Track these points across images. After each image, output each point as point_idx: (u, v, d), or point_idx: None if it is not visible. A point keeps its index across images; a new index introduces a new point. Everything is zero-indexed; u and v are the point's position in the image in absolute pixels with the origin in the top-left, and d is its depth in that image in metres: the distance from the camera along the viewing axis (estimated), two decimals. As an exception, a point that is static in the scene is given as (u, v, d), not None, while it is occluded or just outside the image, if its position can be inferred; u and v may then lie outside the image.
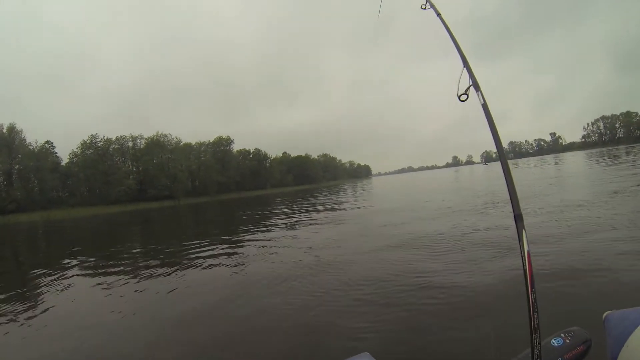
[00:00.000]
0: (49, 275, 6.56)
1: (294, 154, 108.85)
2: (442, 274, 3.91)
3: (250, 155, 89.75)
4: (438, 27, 2.05)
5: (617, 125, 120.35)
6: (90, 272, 6.75)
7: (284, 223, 11.61)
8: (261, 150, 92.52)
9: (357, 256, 5.38)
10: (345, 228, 9.11)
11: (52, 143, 62.37)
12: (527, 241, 1.13)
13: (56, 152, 63.08)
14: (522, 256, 1.13)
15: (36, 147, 60.05)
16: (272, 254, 6.44)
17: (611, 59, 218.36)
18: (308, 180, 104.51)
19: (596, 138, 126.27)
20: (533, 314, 1.07)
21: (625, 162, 20.29)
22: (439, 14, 2.10)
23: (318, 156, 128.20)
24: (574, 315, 2.56)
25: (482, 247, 4.85)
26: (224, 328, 3.32)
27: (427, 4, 2.26)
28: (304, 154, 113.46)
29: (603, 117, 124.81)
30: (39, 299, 4.98)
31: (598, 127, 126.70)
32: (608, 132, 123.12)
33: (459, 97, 1.59)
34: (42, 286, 5.71)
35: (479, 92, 1.51)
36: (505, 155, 1.38)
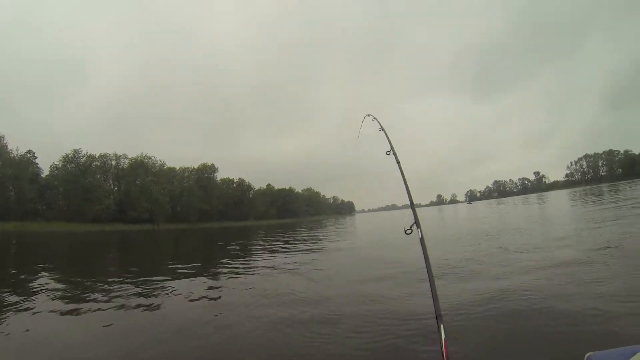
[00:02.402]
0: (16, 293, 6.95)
1: (278, 186, 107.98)
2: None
3: (234, 185, 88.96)
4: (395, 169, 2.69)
5: (600, 164, 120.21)
6: (57, 295, 6.91)
7: (265, 260, 12.19)
8: (245, 181, 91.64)
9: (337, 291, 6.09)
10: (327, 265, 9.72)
11: (33, 153, 60.54)
12: (445, 332, 1.55)
13: (37, 163, 61.25)
14: (440, 344, 1.52)
15: (17, 155, 57.74)
16: (250, 288, 6.93)
17: (595, 99, 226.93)
18: (291, 214, 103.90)
19: (579, 177, 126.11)
20: None
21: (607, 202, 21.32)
22: (398, 162, 2.72)
23: (302, 190, 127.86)
24: (557, 357, 2.82)
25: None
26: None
27: (391, 151, 2.80)
28: (287, 187, 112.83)
29: (586, 156, 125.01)
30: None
31: (581, 166, 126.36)
32: (591, 170, 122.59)
33: (405, 231, 2.11)
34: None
35: (420, 229, 2.12)
36: (430, 269, 1.96)
